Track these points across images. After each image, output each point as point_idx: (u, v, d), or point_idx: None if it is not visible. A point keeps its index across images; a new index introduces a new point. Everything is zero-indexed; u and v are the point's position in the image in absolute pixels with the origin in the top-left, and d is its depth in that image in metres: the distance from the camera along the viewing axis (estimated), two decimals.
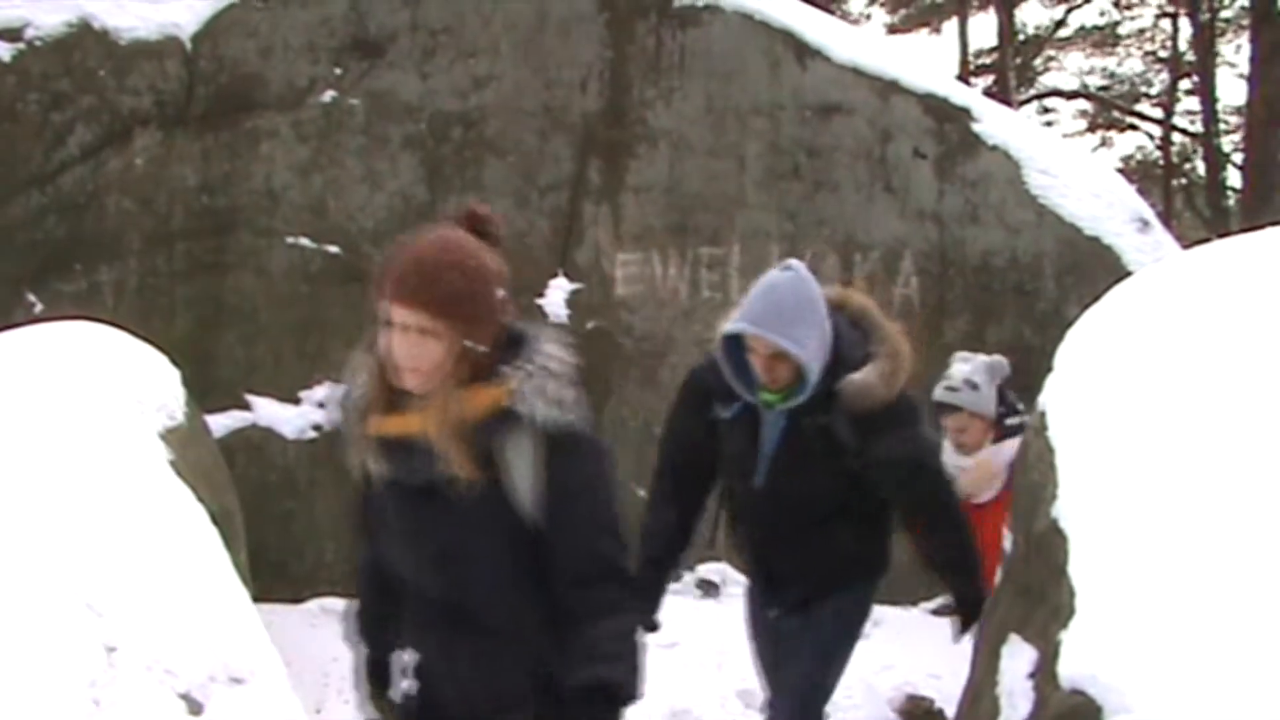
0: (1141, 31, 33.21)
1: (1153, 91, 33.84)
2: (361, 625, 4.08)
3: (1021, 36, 32.23)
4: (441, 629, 3.69)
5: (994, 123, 11.48)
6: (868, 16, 32.96)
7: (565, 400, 3.49)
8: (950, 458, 6.46)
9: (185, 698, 4.80)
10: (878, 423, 4.96)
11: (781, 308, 4.87)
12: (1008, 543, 5.10)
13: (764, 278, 5.06)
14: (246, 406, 10.10)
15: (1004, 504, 5.93)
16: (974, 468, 6.51)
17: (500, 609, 3.62)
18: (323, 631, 8.54)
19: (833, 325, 5.01)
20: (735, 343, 5.06)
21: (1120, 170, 24.00)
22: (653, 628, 5.23)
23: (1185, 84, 32.45)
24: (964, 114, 11.33)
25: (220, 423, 9.49)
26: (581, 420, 3.52)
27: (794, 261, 5.06)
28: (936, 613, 8.59)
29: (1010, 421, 6.46)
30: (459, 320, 3.45)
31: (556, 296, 10.70)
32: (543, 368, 3.52)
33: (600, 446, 3.63)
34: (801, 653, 5.45)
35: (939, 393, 6.48)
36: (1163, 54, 32.96)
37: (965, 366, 6.48)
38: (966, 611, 5.45)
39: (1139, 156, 35.24)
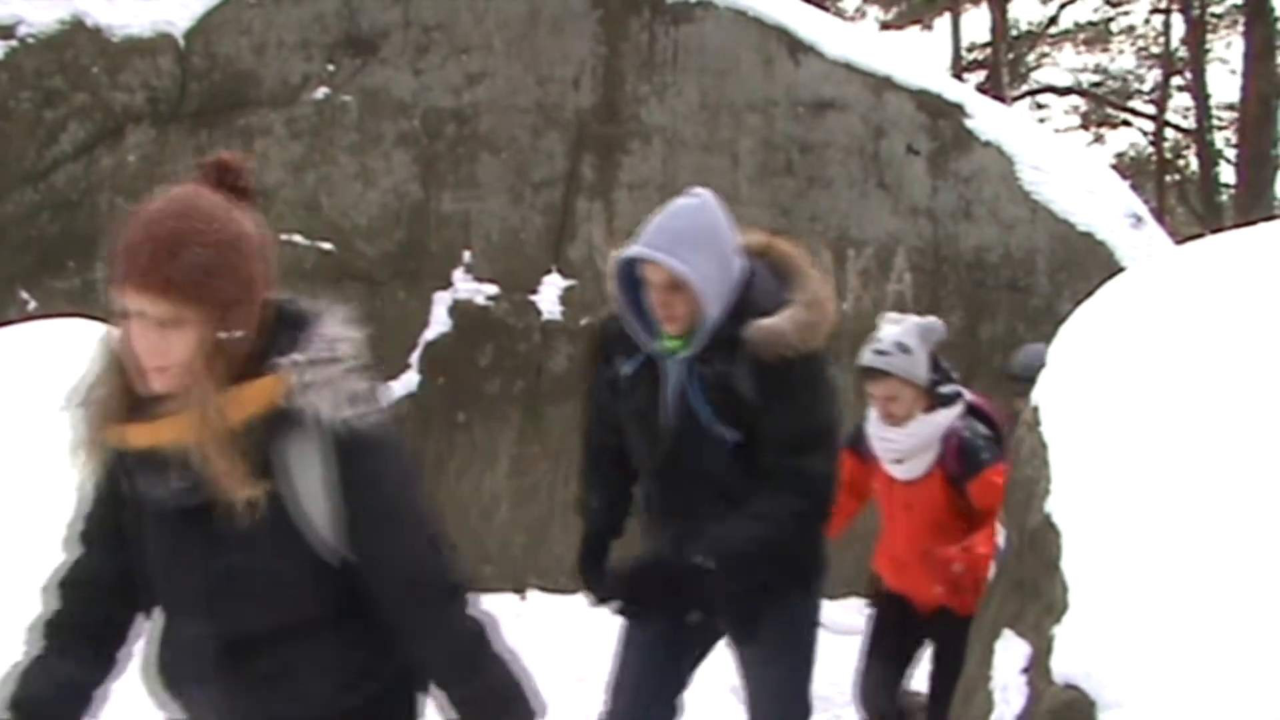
0: (1132, 28, 33.26)
1: (1145, 88, 33.90)
2: (29, 681, 3.05)
3: (1014, 32, 32.24)
4: (209, 675, 2.97)
5: (987, 119, 11.50)
6: (862, 13, 32.96)
7: (357, 393, 2.83)
8: (875, 429, 5.93)
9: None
10: (783, 379, 4.34)
11: (679, 231, 4.32)
12: (1001, 538, 5.10)
13: (667, 204, 4.49)
14: None
15: (938, 481, 5.84)
16: (903, 440, 5.87)
17: (290, 652, 2.95)
18: None
19: (749, 270, 4.47)
20: (635, 284, 4.50)
21: (1113, 166, 24.02)
22: (608, 600, 4.80)
23: (1177, 80, 32.48)
24: (957, 110, 11.36)
25: None
26: (378, 417, 2.87)
27: (701, 190, 4.52)
28: None
29: (943, 390, 5.85)
30: (209, 304, 2.74)
31: (550, 293, 10.71)
32: (326, 354, 2.85)
33: (400, 445, 2.97)
34: (770, 691, 4.91)
35: (866, 356, 5.80)
36: (1155, 50, 33.00)
37: (895, 329, 5.83)
38: (669, 557, 4.53)
39: (1132, 153, 35.30)
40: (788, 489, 4.42)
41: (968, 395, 5.90)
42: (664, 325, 4.43)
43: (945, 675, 5.95)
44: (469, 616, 2.98)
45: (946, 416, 5.79)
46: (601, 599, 4.76)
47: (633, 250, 4.38)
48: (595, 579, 4.84)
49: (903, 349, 5.73)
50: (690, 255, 4.27)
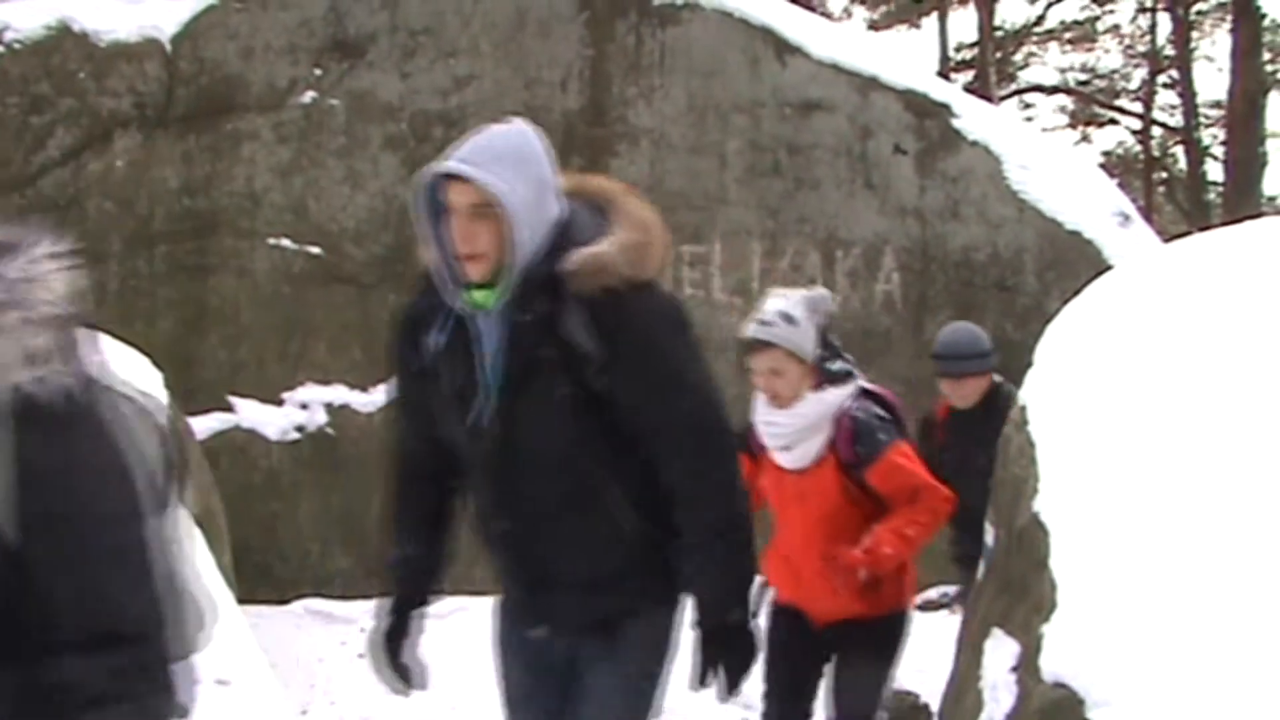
0: (1118, 27, 33.33)
1: (1132, 86, 33.94)
2: None
3: (1000, 32, 32.28)
4: None
5: (974, 118, 11.52)
6: (849, 14, 32.98)
7: (39, 351, 2.20)
8: (761, 414, 5.40)
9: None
10: (620, 317, 3.60)
11: (493, 149, 3.62)
12: (989, 537, 5.09)
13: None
14: (229, 408, 10.08)
15: (831, 468, 5.28)
16: (790, 422, 5.28)
17: None
18: (308, 633, 8.54)
19: (568, 212, 3.73)
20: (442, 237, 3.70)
21: (1101, 165, 24.09)
22: (406, 688, 4.02)
23: (1163, 78, 32.54)
24: (944, 110, 11.38)
25: (203, 425, 9.49)
26: (75, 381, 2.25)
27: (525, 124, 3.77)
28: (921, 608, 8.58)
29: (833, 367, 5.30)
30: None
31: None
32: (10, 296, 2.21)
33: (102, 425, 2.28)
34: (599, 700, 3.90)
35: (749, 328, 5.26)
36: (1141, 48, 33.05)
37: (781, 300, 5.29)
38: (710, 632, 3.71)
39: (1119, 151, 35.32)
40: (685, 471, 3.68)
41: (861, 380, 5.42)
42: (465, 268, 3.65)
43: (850, 687, 5.46)
44: (141, 696, 2.26)
45: (837, 395, 5.27)
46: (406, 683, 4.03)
47: (437, 165, 3.64)
48: (394, 665, 4.01)
49: (787, 319, 5.22)
50: (504, 173, 3.57)
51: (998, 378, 6.71)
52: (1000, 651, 4.04)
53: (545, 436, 3.70)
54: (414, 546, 4.04)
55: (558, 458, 3.72)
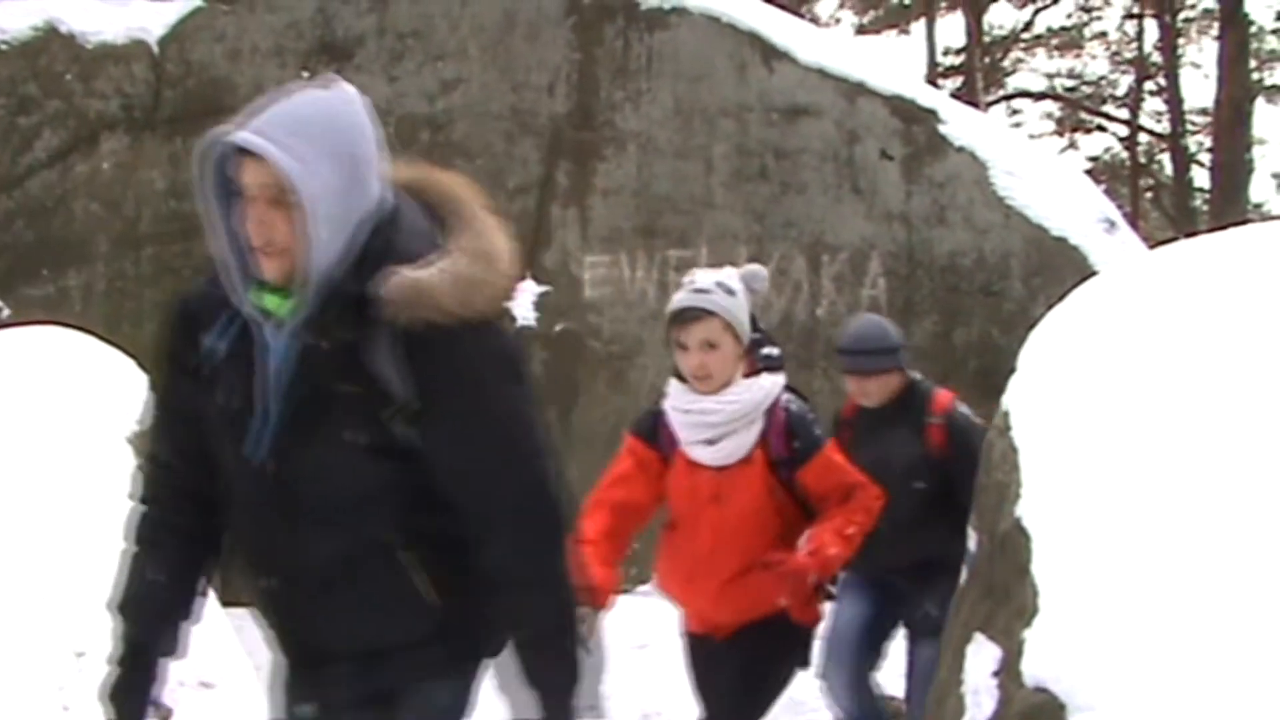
0: (1105, 33, 33.41)
1: (1119, 92, 34.02)
2: None
3: (988, 38, 32.33)
4: None
5: (961, 124, 11.53)
6: (836, 19, 33.05)
7: None
8: (682, 402, 4.80)
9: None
10: (443, 353, 2.94)
11: (293, 117, 2.92)
12: (971, 542, 5.09)
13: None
14: None
15: (760, 465, 4.80)
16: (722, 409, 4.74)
17: None
18: None
19: (394, 206, 3.10)
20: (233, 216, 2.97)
21: (1087, 171, 24.13)
22: None
23: (1150, 85, 32.62)
24: (931, 115, 11.38)
25: None
26: None
27: (347, 87, 3.07)
28: None
29: (768, 351, 4.86)
30: None
31: (525, 299, 10.72)
32: None
33: None
34: None
35: (680, 298, 4.73)
36: (1128, 55, 33.13)
37: (714, 272, 4.82)
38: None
39: (1106, 157, 35.40)
40: (505, 545, 3.03)
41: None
42: (259, 264, 2.95)
43: (758, 687, 4.97)
44: None
45: (774, 383, 4.80)
46: None
47: (220, 135, 2.94)
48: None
49: (725, 289, 4.70)
50: (306, 151, 2.86)
51: (916, 375, 6.19)
52: (982, 656, 4.04)
53: (332, 484, 3.04)
54: (164, 568, 3.24)
55: (345, 510, 3.06)
